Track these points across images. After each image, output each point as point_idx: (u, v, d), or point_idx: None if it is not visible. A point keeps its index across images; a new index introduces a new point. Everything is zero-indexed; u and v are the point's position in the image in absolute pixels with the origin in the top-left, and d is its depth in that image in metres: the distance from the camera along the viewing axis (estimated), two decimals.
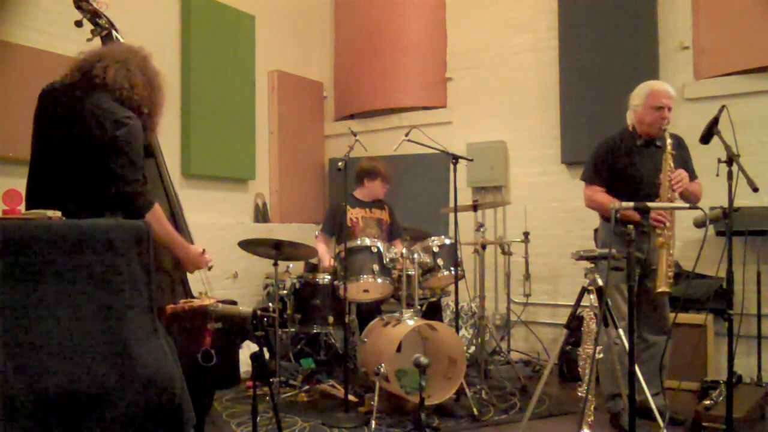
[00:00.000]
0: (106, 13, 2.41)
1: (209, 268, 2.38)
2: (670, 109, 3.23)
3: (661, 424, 2.74)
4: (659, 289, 3.00)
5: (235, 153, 5.34)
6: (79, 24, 2.40)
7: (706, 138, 2.79)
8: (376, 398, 3.32)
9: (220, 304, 2.19)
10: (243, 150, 5.42)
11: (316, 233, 4.51)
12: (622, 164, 3.30)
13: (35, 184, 2.05)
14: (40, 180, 2.05)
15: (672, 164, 3.13)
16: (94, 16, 2.38)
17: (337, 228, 4.32)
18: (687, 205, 2.88)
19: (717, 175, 2.67)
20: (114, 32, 2.41)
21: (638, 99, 3.31)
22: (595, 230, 3.63)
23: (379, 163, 4.46)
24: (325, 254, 4.29)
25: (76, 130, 1.99)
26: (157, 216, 2.08)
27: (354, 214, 4.38)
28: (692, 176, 3.30)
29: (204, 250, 2.32)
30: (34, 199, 2.01)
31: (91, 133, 1.97)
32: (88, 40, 2.41)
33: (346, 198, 4.20)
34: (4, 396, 1.48)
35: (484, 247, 4.35)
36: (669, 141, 3.15)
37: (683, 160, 3.29)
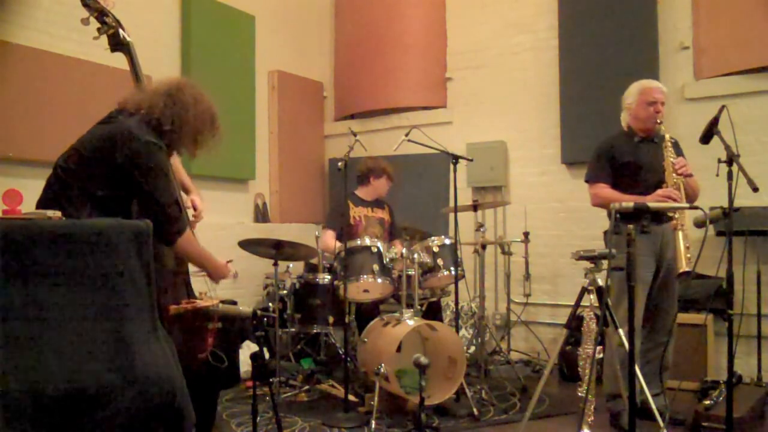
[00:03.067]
0: (112, 11, 2.41)
1: (235, 276, 2.51)
2: (663, 104, 3.29)
3: (661, 424, 2.74)
4: (681, 269, 2.93)
5: (235, 153, 5.33)
6: (85, 22, 2.41)
7: (706, 138, 2.79)
8: (376, 398, 3.32)
9: (220, 304, 2.19)
10: (243, 150, 5.42)
11: (317, 233, 4.50)
12: (623, 159, 3.32)
13: (51, 185, 2.10)
14: (56, 184, 2.09)
15: (673, 151, 3.18)
16: (101, 14, 2.38)
17: (339, 224, 4.32)
18: (686, 204, 2.88)
19: (717, 175, 2.67)
20: (121, 30, 2.41)
21: (631, 97, 3.37)
22: (605, 232, 3.63)
23: (383, 161, 4.47)
24: (331, 244, 4.27)
25: (104, 139, 2.09)
26: (188, 240, 2.19)
27: (357, 212, 4.38)
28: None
29: (228, 261, 2.45)
30: (44, 203, 2.06)
31: (115, 144, 2.07)
32: (95, 38, 2.41)
33: (346, 197, 4.20)
34: (4, 396, 1.48)
35: (484, 247, 4.34)
36: (666, 135, 3.21)
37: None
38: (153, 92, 2.24)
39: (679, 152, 3.33)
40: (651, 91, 3.30)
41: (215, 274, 2.41)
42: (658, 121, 3.25)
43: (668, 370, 3.36)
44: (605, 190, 3.33)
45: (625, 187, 3.26)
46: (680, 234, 3.01)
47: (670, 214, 3.07)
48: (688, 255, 3.01)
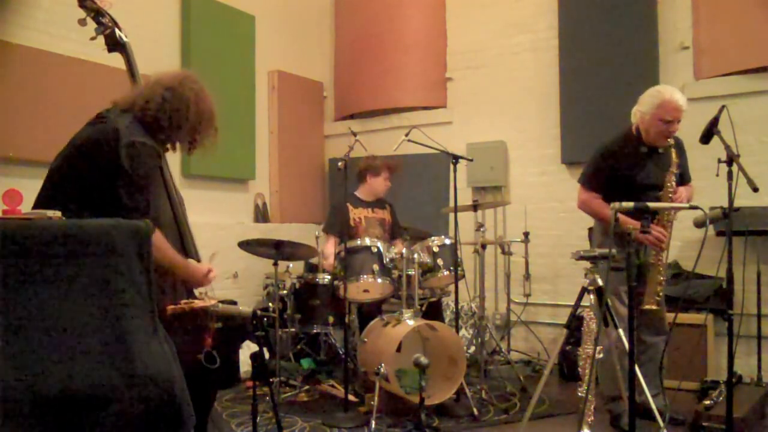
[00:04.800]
0: (109, 11, 2.42)
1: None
2: (679, 121, 3.11)
3: (661, 424, 2.74)
4: (645, 306, 3.03)
5: (235, 153, 5.33)
6: (82, 22, 2.41)
7: (706, 138, 2.78)
8: (376, 398, 3.32)
9: (220, 304, 2.19)
10: (243, 150, 5.42)
11: (317, 233, 4.49)
12: (624, 173, 3.20)
13: (43, 187, 2.09)
14: (48, 183, 2.08)
15: (674, 183, 3.10)
16: (97, 14, 2.38)
17: (339, 227, 4.31)
18: (687, 205, 2.88)
19: (717, 175, 2.66)
20: (117, 30, 2.42)
21: (646, 107, 3.14)
22: (590, 229, 3.62)
23: (380, 159, 4.44)
24: (331, 255, 4.26)
25: (92, 138, 2.05)
26: (155, 243, 2.06)
27: (357, 213, 4.37)
28: (687, 179, 3.29)
29: (210, 270, 2.32)
30: (39, 202, 2.04)
31: (101, 145, 2.03)
32: (92, 38, 2.42)
33: (346, 197, 4.20)
34: (4, 396, 1.48)
35: (484, 247, 4.34)
36: (675, 160, 3.09)
37: (682, 165, 3.26)
38: (153, 84, 2.18)
39: (682, 156, 3.27)
40: (669, 108, 3.05)
41: (192, 282, 2.29)
42: (670, 141, 3.11)
43: (664, 370, 3.35)
44: (596, 202, 3.25)
45: (619, 200, 3.17)
46: (655, 273, 3.03)
47: (653, 252, 3.07)
48: (658, 289, 3.02)
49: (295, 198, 5.95)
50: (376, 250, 3.81)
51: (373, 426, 3.24)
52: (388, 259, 3.82)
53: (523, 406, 3.65)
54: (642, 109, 3.18)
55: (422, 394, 3.00)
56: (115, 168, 2.01)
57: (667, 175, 3.11)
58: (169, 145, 2.25)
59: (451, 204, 4.23)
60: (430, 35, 5.74)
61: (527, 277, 4.89)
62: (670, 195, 3.09)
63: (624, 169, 3.21)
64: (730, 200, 2.61)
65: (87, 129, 2.11)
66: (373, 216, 4.43)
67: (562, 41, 5.03)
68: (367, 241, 3.85)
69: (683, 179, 3.24)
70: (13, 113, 3.78)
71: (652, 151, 3.23)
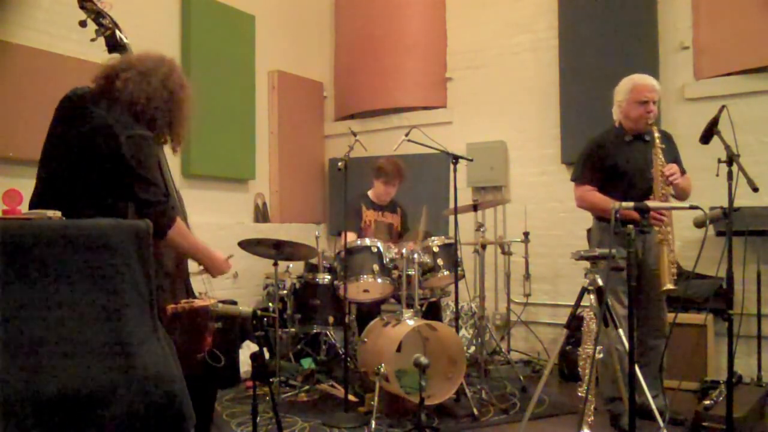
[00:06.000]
0: (110, 12, 2.42)
1: (235, 276, 2.44)
2: (654, 102, 3.21)
3: (661, 424, 2.74)
4: (664, 287, 2.98)
5: (235, 153, 5.34)
6: (83, 24, 2.41)
7: (706, 138, 2.79)
8: (376, 398, 3.32)
9: (220, 304, 2.19)
10: (243, 150, 5.42)
11: (317, 233, 4.47)
12: (612, 161, 3.27)
13: (40, 188, 2.07)
14: (46, 185, 2.06)
15: (662, 158, 3.12)
16: (98, 15, 2.39)
17: (355, 226, 4.28)
18: (686, 204, 2.87)
19: (717, 175, 2.66)
20: (117, 32, 2.42)
21: (622, 94, 3.29)
22: (588, 230, 3.62)
23: (389, 163, 4.37)
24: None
25: (86, 139, 2.02)
26: (179, 230, 2.12)
27: (368, 216, 4.37)
28: (682, 172, 3.30)
29: (229, 257, 2.38)
30: (38, 204, 2.03)
31: (98, 144, 2.00)
32: (92, 40, 2.42)
33: (360, 197, 4.19)
34: (4, 396, 1.48)
35: (484, 247, 4.34)
36: (657, 135, 3.14)
37: (673, 156, 3.28)
38: (126, 68, 2.14)
39: (672, 147, 3.30)
40: (642, 89, 3.21)
41: (213, 269, 2.33)
42: (650, 122, 3.18)
43: (664, 370, 3.35)
44: (591, 194, 3.29)
45: (612, 191, 3.18)
46: (665, 248, 3.01)
47: (657, 229, 3.06)
48: (673, 270, 3.01)
49: (295, 198, 5.96)
50: (376, 250, 3.81)
51: (373, 426, 3.24)
52: (388, 259, 3.82)
53: (523, 406, 3.65)
54: (618, 98, 3.32)
55: (422, 394, 3.00)
56: (119, 166, 1.99)
57: (653, 151, 3.13)
58: (166, 134, 2.21)
59: (451, 204, 4.23)
60: (430, 35, 5.74)
61: (527, 277, 4.89)
62: (661, 169, 3.09)
63: (610, 157, 3.28)
64: (730, 200, 2.61)
65: (78, 130, 2.05)
66: (382, 220, 4.43)
67: (562, 41, 5.03)
68: (367, 241, 3.85)
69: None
70: (13, 113, 3.78)
71: (636, 139, 3.30)
